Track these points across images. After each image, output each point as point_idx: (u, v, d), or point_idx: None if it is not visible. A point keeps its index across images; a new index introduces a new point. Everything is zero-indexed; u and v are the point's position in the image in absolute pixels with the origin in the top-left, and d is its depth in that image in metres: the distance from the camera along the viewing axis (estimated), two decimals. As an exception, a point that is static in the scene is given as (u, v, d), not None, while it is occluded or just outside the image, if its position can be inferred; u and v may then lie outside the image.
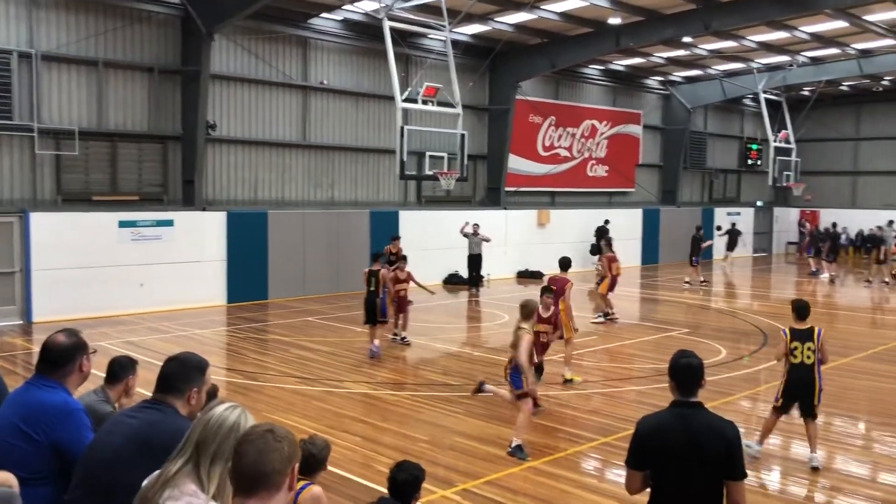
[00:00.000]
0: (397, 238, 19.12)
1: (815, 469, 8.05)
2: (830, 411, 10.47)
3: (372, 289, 13.46)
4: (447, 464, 8.14)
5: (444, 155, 19.75)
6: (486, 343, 15.36)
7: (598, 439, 9.03)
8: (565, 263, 12.71)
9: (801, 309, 8.31)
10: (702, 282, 24.15)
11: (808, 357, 8.11)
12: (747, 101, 35.21)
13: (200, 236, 18.65)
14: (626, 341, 15.34)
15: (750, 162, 36.60)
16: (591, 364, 13.24)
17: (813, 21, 22.07)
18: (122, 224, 17.32)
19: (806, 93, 33.08)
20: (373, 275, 13.52)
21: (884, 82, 32.48)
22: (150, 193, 18.70)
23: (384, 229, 21.70)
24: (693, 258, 24.18)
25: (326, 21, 21.10)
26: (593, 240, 26.13)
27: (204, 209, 18.83)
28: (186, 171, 18.81)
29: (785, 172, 29.99)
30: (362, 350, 13.74)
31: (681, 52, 26.32)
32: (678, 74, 30.83)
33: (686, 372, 4.10)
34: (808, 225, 31.21)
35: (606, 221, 27.38)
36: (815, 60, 27.94)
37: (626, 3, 20.40)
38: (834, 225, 30.12)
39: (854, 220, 31.95)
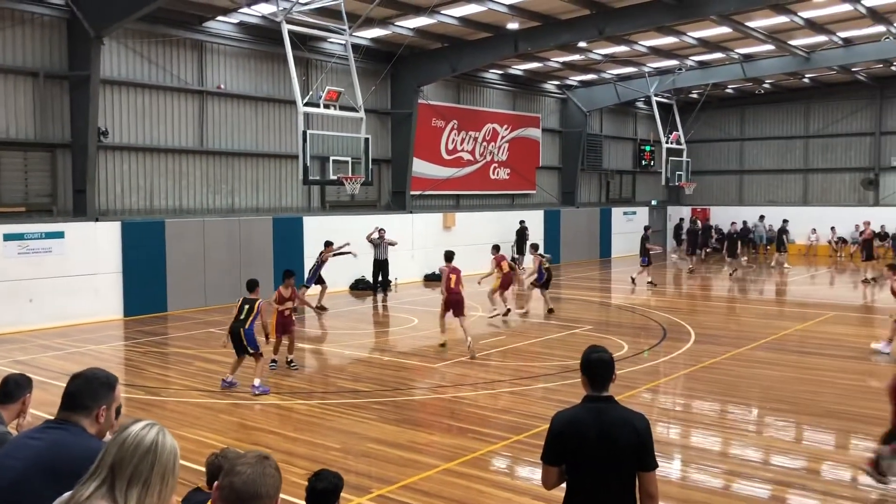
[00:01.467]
0: (331, 244, 19.30)
1: None
2: (726, 399, 10.98)
3: (241, 317, 11.38)
4: (361, 470, 8.09)
5: (348, 159, 19.62)
6: (395, 348, 15.32)
7: (510, 437, 9.16)
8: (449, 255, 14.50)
9: None
10: (648, 282, 24.18)
11: None
12: (640, 104, 36.51)
13: (94, 248, 17.86)
14: (533, 339, 15.62)
15: (644, 163, 37.94)
16: (499, 363, 13.42)
17: (700, 27, 23.17)
18: (8, 237, 16.39)
19: (694, 96, 34.68)
20: (247, 303, 11.52)
21: (765, 85, 34.39)
22: (37, 204, 17.78)
23: (287, 235, 21.41)
24: (642, 259, 24.47)
25: (222, 24, 20.61)
26: (505, 242, 26.51)
27: (97, 219, 18.05)
28: (77, 180, 17.98)
29: (677, 172, 31.37)
30: (267, 361, 13.46)
31: (576, 57, 27.06)
32: (574, 78, 31.66)
33: (598, 367, 4.19)
34: (699, 223, 32.54)
35: (522, 222, 28.14)
36: (703, 64, 29.30)
37: (523, 9, 20.81)
38: (693, 221, 31.91)
39: (741, 217, 33.57)
